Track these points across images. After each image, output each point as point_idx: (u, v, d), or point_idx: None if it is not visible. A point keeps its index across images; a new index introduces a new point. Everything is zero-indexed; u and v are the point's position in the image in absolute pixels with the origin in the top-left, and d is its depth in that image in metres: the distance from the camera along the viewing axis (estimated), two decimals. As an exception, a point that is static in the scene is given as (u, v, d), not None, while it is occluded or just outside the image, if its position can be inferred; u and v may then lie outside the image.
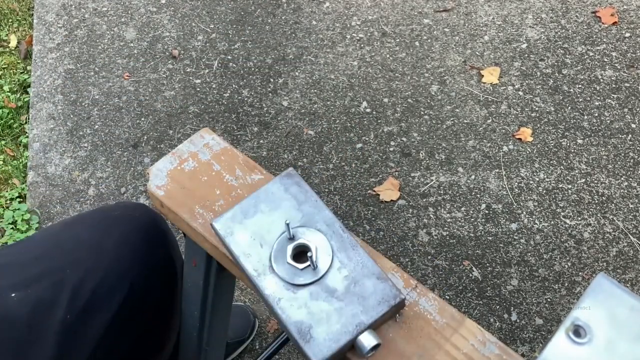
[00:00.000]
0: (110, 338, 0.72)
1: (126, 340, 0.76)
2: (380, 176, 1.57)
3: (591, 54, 1.80)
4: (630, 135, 1.63)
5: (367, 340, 0.50)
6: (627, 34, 1.84)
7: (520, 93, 1.72)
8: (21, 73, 1.87)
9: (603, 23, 1.87)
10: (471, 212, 1.51)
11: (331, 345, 0.50)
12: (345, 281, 0.53)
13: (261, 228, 0.56)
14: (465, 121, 1.67)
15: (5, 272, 0.67)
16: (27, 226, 1.52)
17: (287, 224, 0.53)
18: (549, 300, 1.37)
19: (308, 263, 0.53)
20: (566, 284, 1.39)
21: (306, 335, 0.50)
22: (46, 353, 0.64)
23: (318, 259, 0.53)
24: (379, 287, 0.52)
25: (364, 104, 1.72)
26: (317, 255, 0.53)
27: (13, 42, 1.96)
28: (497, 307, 1.37)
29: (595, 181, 1.55)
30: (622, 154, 1.59)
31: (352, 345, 0.51)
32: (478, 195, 1.53)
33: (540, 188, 1.54)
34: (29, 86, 1.83)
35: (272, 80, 1.79)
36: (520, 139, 1.63)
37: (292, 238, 0.54)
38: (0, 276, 0.67)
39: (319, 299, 0.52)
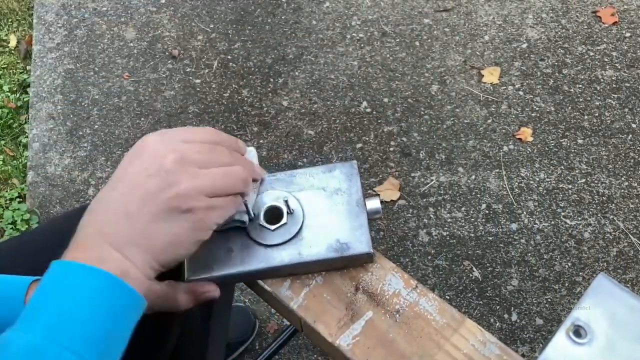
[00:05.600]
0: None
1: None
2: (381, 176, 1.57)
3: (591, 53, 1.80)
4: (630, 135, 1.63)
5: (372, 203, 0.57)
6: (628, 34, 1.84)
7: (521, 93, 1.72)
8: (21, 73, 1.87)
9: (603, 23, 1.87)
10: (471, 212, 1.50)
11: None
12: None
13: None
14: (465, 121, 1.67)
15: (12, 262, 0.68)
16: (27, 226, 1.52)
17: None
18: (549, 300, 1.37)
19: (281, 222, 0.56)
20: (566, 284, 1.39)
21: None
22: None
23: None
24: None
25: (364, 103, 1.72)
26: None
27: (13, 42, 1.96)
28: (498, 307, 1.37)
29: (596, 181, 1.55)
30: (623, 154, 1.59)
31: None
32: (478, 195, 1.53)
33: (540, 188, 1.54)
34: (28, 86, 1.83)
35: (272, 80, 1.79)
36: (520, 138, 1.63)
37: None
38: (7, 266, 0.67)
39: None
